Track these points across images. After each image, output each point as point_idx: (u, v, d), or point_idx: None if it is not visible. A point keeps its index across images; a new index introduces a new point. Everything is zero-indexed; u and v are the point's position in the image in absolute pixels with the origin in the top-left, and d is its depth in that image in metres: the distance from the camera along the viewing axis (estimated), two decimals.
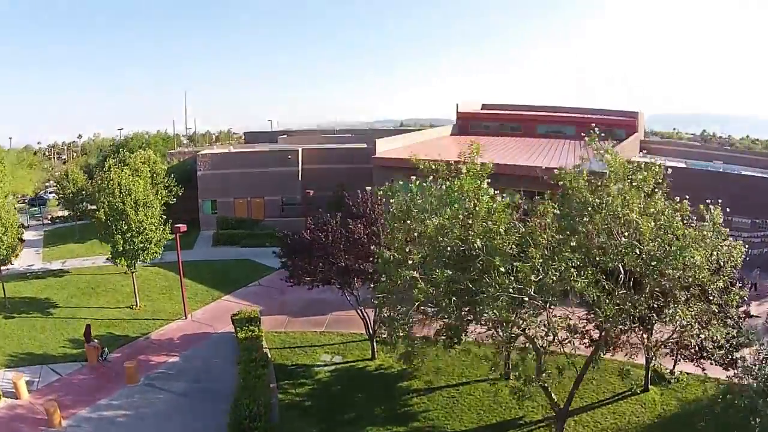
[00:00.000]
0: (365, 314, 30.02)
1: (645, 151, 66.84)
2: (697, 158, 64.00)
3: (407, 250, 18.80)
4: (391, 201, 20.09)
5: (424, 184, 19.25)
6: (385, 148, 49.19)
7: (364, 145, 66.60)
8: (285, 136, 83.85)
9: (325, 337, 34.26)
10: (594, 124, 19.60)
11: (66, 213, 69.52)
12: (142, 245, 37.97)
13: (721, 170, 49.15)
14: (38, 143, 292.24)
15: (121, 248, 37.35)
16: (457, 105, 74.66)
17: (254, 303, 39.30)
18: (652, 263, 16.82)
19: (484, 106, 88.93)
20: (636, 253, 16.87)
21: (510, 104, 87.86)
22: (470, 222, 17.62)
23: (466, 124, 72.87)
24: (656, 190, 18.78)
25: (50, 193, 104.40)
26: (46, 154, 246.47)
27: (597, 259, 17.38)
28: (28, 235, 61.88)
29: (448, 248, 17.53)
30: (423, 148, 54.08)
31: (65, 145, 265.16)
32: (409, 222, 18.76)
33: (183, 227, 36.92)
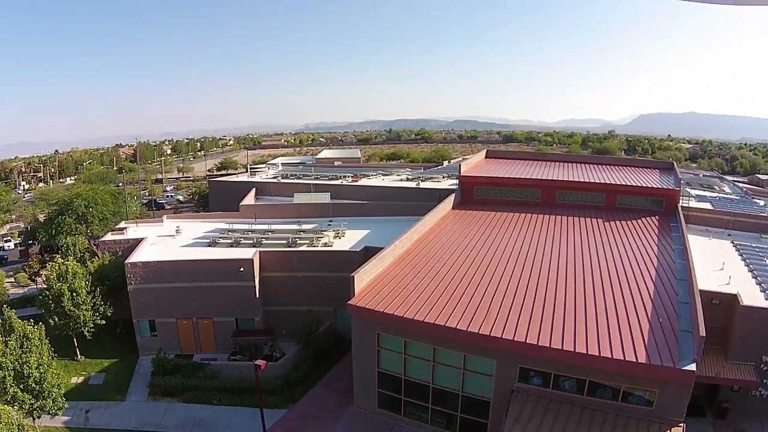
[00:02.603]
0: None
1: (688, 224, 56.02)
2: (741, 229, 54.90)
3: None
4: None
5: None
6: (368, 277, 35.10)
7: (341, 240, 53.38)
8: (250, 200, 69.86)
9: None
10: None
11: None
12: None
13: None
14: (15, 158, 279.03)
15: None
16: (459, 167, 60.91)
17: None
18: None
19: (488, 154, 75.55)
20: None
21: (516, 152, 74.73)
22: None
23: (471, 190, 59.14)
24: None
25: (7, 240, 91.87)
26: (23, 171, 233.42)
27: None
28: None
29: None
30: (420, 263, 38.66)
31: (42, 161, 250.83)
32: None
33: None
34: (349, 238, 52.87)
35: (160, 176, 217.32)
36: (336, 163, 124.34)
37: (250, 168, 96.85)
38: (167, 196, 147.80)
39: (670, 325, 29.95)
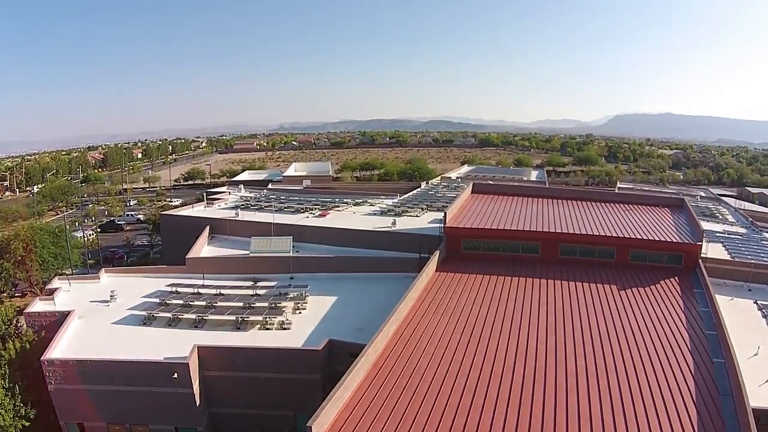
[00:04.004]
0: None
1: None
2: (761, 282, 48.56)
3: None
4: None
5: None
6: (330, 416, 25.74)
7: (302, 314, 44.32)
8: (201, 245, 60.48)
9: None
10: None
11: None
12: None
13: None
14: None
15: None
16: (444, 214, 52.03)
17: None
18: None
19: (475, 189, 67.07)
20: None
21: (506, 186, 66.56)
22: None
23: (458, 244, 50.51)
24: None
25: None
26: None
27: None
28: None
29: None
30: (401, 380, 29.08)
31: (9, 168, 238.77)
32: None
33: None
34: (311, 314, 43.79)
35: (125, 186, 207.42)
36: (304, 183, 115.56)
37: (207, 197, 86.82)
38: (127, 215, 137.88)
39: None
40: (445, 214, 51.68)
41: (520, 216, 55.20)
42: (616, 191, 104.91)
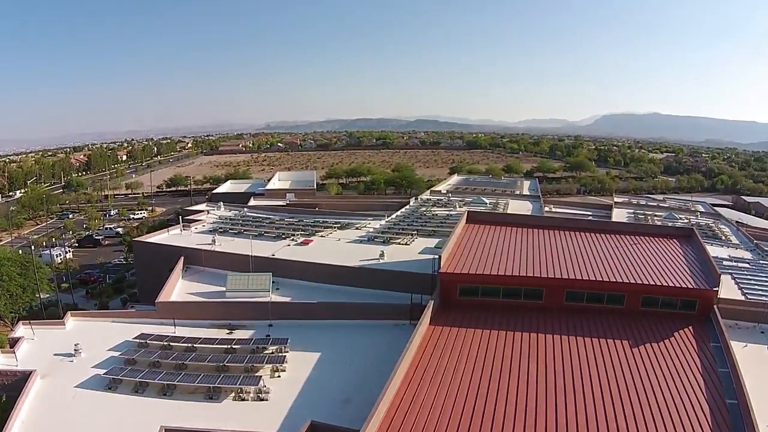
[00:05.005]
0: None
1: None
2: None
3: None
4: None
5: None
6: None
7: (281, 379, 40.07)
8: (175, 281, 56.01)
9: None
10: None
11: None
12: None
13: None
14: None
15: None
16: (438, 257, 47.74)
17: None
18: None
19: (470, 218, 62.98)
20: None
21: (503, 215, 62.60)
22: None
23: (454, 290, 46.22)
24: None
25: None
26: None
27: None
28: None
29: None
30: None
31: None
32: None
33: None
34: (291, 377, 39.30)
35: (107, 193, 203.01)
36: (288, 197, 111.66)
37: (183, 221, 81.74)
38: (106, 228, 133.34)
39: None
40: (440, 257, 47.37)
41: (521, 255, 50.98)
42: (614, 207, 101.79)
